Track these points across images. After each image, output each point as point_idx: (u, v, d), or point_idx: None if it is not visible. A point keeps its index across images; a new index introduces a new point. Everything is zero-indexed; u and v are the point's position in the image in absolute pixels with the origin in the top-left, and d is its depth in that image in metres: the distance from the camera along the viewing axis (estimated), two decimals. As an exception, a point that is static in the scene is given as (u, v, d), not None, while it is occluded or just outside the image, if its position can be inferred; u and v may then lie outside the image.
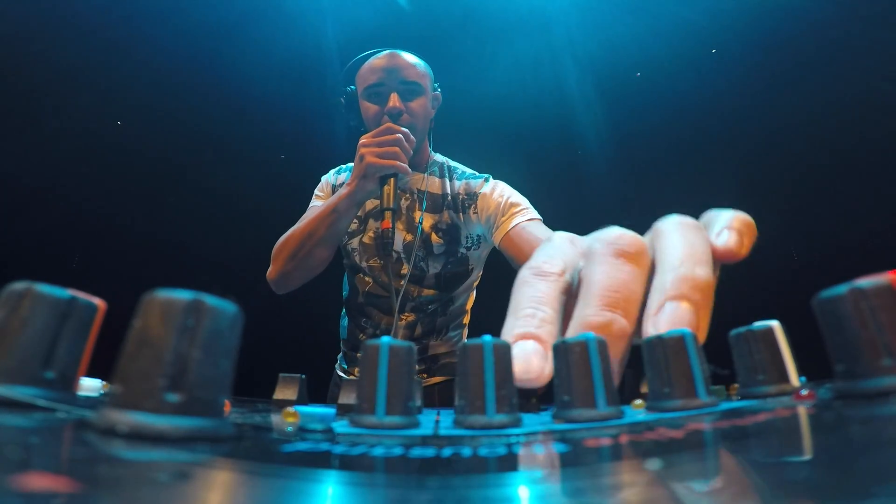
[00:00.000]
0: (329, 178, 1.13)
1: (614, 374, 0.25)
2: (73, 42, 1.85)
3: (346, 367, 1.12)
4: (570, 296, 0.30)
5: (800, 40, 1.78)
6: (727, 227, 0.30)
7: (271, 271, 0.96)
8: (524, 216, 0.93)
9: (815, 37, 1.76)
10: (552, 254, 0.32)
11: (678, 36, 1.90)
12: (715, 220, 0.31)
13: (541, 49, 2.03)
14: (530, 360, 0.26)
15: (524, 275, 0.31)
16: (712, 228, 0.31)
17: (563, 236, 0.35)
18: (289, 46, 1.98)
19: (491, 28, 2.01)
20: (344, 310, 1.14)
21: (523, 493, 0.10)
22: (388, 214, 0.84)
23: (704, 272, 0.26)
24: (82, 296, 0.20)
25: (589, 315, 0.27)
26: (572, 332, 0.26)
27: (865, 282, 0.19)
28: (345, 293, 1.14)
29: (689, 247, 0.28)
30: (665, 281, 0.26)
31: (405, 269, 1.00)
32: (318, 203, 1.08)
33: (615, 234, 0.30)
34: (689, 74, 1.91)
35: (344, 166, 1.14)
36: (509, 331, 0.28)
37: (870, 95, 1.71)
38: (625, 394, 0.38)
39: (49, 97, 1.89)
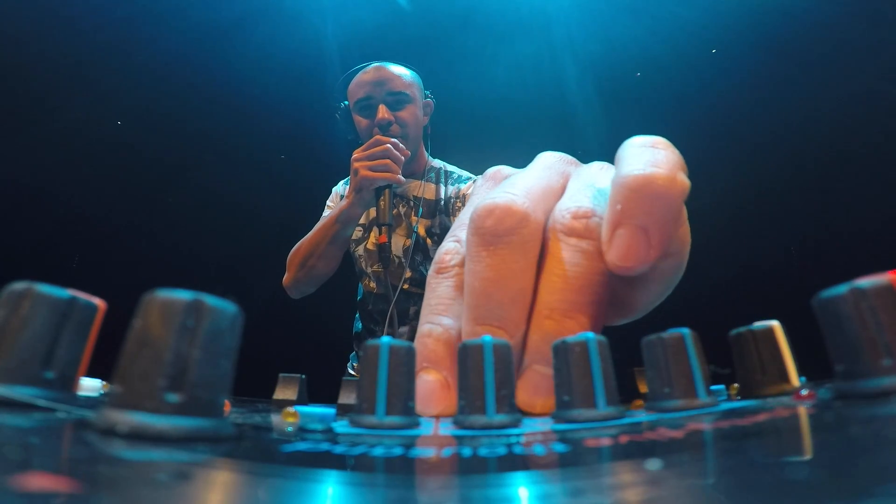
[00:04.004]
0: (338, 188, 1.18)
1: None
2: (73, 42, 1.85)
3: (356, 366, 1.14)
4: None
5: (800, 40, 1.78)
6: (622, 218, 0.23)
7: (286, 279, 1.03)
8: None
9: (816, 37, 1.76)
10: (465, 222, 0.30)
11: (678, 36, 1.90)
12: (613, 186, 0.24)
13: (541, 49, 2.03)
14: (431, 395, 0.25)
15: (431, 270, 0.30)
16: (606, 218, 0.24)
17: (545, 161, 0.31)
18: (289, 47, 1.98)
19: (491, 28, 2.01)
20: (357, 313, 1.17)
21: (523, 493, 0.10)
22: (384, 229, 0.87)
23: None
24: (82, 296, 0.20)
25: (465, 333, 0.26)
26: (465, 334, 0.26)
27: (865, 282, 0.19)
28: (358, 297, 1.17)
29: (564, 284, 0.25)
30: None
31: (408, 274, 1.03)
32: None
33: (481, 209, 0.25)
34: (689, 74, 1.91)
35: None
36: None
37: (870, 95, 1.71)
38: (625, 394, 0.38)
39: (49, 97, 1.88)
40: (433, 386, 0.25)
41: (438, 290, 0.28)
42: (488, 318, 0.25)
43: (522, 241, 0.25)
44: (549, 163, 0.31)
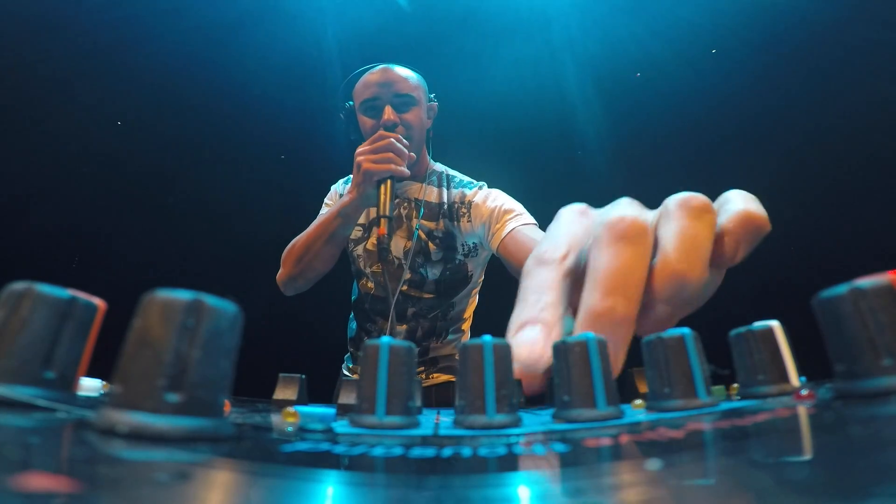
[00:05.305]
0: (337, 187, 1.17)
1: (617, 360, 0.26)
2: (73, 43, 1.85)
3: (351, 367, 1.14)
4: (577, 277, 0.31)
5: (800, 40, 1.78)
6: (730, 229, 0.28)
7: (280, 274, 1.01)
8: (518, 221, 0.94)
9: (816, 36, 1.76)
10: (556, 237, 0.33)
11: (678, 36, 1.90)
12: (723, 210, 0.30)
13: (541, 49, 2.02)
14: (534, 343, 0.26)
15: (528, 265, 0.32)
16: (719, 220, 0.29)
17: (572, 210, 0.35)
18: (289, 47, 1.98)
19: (491, 28, 2.01)
20: (352, 313, 1.16)
21: (523, 493, 0.10)
22: (383, 221, 0.86)
23: (696, 273, 0.26)
24: (82, 296, 0.20)
25: (591, 303, 0.27)
26: (580, 322, 0.27)
27: (865, 282, 0.19)
28: (353, 297, 1.16)
29: (691, 240, 0.27)
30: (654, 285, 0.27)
31: (408, 276, 1.02)
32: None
33: (615, 218, 0.29)
34: (689, 74, 1.91)
35: (351, 176, 1.16)
36: (514, 319, 0.28)
37: (870, 95, 1.71)
38: (625, 394, 0.38)
39: (49, 98, 1.89)
40: (537, 331, 0.27)
41: (541, 274, 0.31)
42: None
43: (647, 242, 0.28)
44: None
